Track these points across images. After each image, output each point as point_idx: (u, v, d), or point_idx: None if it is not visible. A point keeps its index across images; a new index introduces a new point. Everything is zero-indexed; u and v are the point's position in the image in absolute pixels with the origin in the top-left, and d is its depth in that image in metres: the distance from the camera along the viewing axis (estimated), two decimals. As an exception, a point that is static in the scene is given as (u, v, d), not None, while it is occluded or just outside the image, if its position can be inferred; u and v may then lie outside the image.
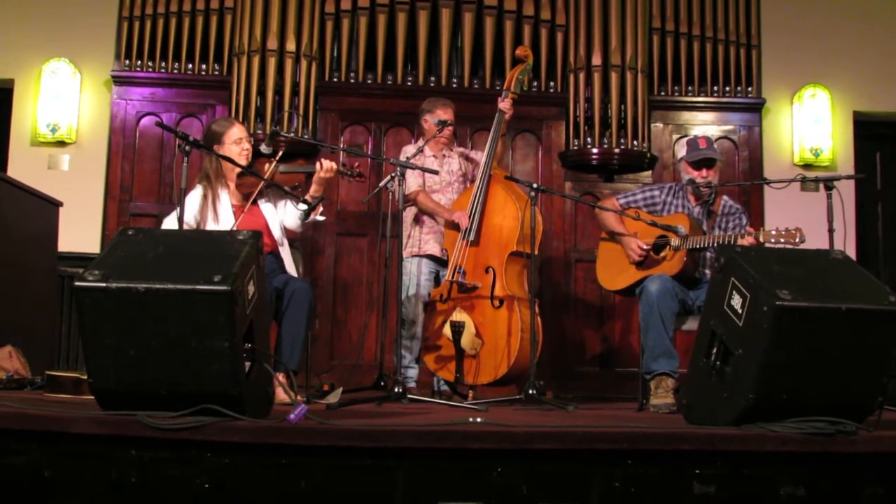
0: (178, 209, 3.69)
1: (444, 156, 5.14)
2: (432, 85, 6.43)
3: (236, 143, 4.19)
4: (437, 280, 4.99)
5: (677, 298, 4.21)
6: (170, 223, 4.11)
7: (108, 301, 2.52)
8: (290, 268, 4.25)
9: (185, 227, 3.94)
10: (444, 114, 5.06)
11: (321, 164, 4.14)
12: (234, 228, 4.08)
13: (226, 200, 4.21)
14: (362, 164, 4.41)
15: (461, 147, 5.59)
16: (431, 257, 4.99)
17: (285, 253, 4.27)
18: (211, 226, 4.14)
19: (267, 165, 4.21)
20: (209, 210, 4.15)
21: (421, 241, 4.99)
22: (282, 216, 4.27)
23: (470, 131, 6.43)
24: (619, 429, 2.66)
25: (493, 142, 4.89)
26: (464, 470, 2.57)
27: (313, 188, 4.16)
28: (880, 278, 3.06)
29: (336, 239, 6.36)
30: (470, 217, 4.70)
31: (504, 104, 4.93)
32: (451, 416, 3.08)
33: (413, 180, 4.95)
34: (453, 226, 4.79)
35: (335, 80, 6.49)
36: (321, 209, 4.24)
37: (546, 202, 6.36)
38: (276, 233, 4.24)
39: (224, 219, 4.16)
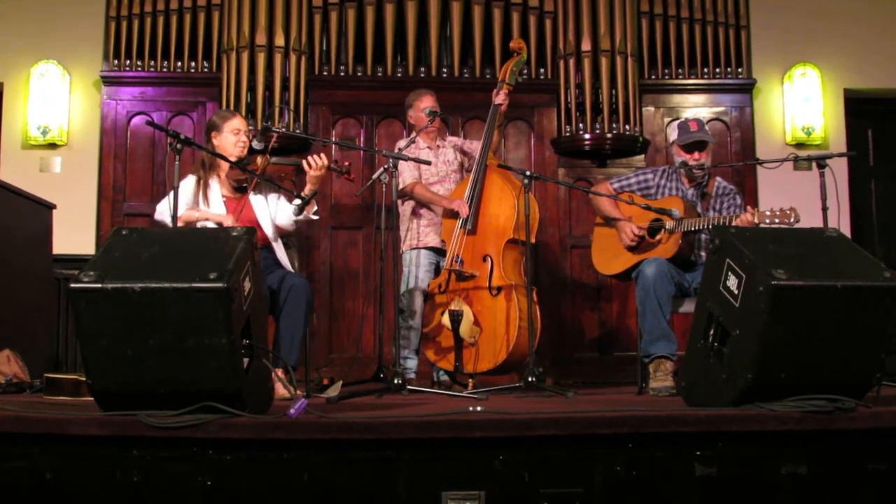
0: (171, 199, 3.69)
1: (438, 146, 5.14)
2: (422, 75, 6.42)
3: (234, 132, 4.26)
4: (436, 271, 4.99)
5: (673, 281, 4.21)
6: (162, 209, 4.13)
7: (104, 302, 2.52)
8: (284, 261, 4.27)
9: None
10: (428, 101, 5.08)
11: (310, 160, 4.16)
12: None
13: (216, 189, 4.27)
14: (353, 161, 4.43)
15: (454, 137, 5.58)
16: (431, 248, 4.99)
17: (278, 247, 4.28)
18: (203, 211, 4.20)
19: (260, 160, 4.25)
20: (200, 196, 4.23)
21: (420, 233, 4.99)
22: (274, 213, 4.29)
23: (462, 120, 6.43)
24: (620, 413, 2.66)
25: (489, 133, 4.91)
26: (466, 459, 2.57)
27: (308, 187, 4.19)
28: (875, 255, 3.06)
29: (331, 232, 6.35)
30: (469, 205, 4.71)
31: (499, 96, 4.95)
32: (451, 405, 3.08)
33: (409, 172, 4.95)
34: (452, 214, 4.79)
35: (325, 73, 6.47)
36: (315, 207, 4.27)
37: (540, 189, 6.37)
38: (268, 227, 4.26)
39: (215, 206, 4.23)
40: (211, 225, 4.13)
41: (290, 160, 4.38)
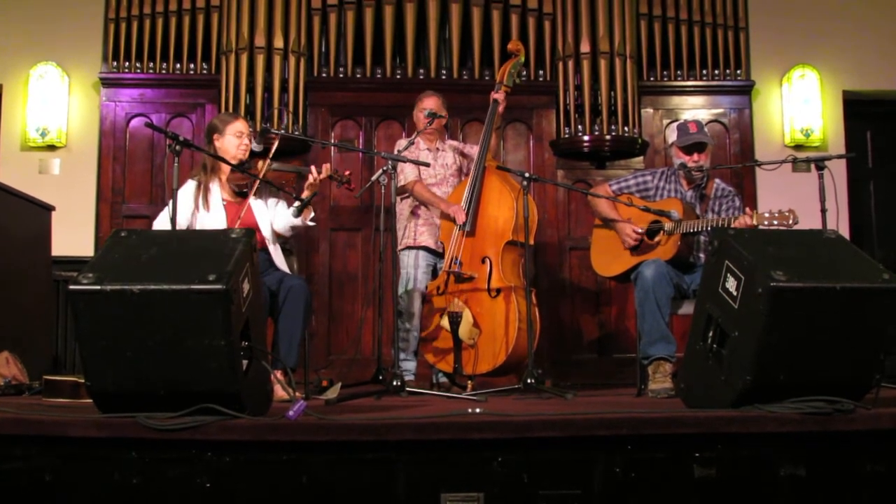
0: (171, 207, 3.69)
1: (437, 149, 5.13)
2: (421, 77, 6.42)
3: (236, 135, 4.26)
4: (434, 272, 4.99)
5: (672, 283, 4.21)
6: (162, 222, 4.13)
7: (103, 303, 2.51)
8: (281, 264, 4.26)
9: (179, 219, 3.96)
10: (430, 103, 5.07)
11: (312, 172, 4.19)
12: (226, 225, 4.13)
13: (216, 193, 4.27)
14: (352, 163, 4.44)
15: (453, 140, 5.58)
16: (427, 249, 4.98)
17: (276, 250, 4.28)
18: (202, 215, 4.20)
19: (261, 164, 4.26)
20: (201, 200, 4.21)
21: (416, 232, 4.98)
22: (272, 218, 4.29)
23: (461, 122, 6.43)
24: (619, 415, 2.66)
25: (487, 134, 4.90)
26: (465, 461, 2.57)
27: (305, 193, 4.21)
28: (874, 257, 3.07)
29: (330, 234, 6.35)
30: (466, 210, 4.70)
31: (498, 97, 4.95)
32: (450, 407, 3.08)
33: (410, 169, 4.94)
34: (450, 217, 4.78)
35: (324, 75, 6.47)
36: (312, 213, 4.27)
37: (539, 191, 6.37)
38: (266, 231, 4.26)
39: (215, 210, 4.22)
40: None
41: (291, 167, 4.39)
